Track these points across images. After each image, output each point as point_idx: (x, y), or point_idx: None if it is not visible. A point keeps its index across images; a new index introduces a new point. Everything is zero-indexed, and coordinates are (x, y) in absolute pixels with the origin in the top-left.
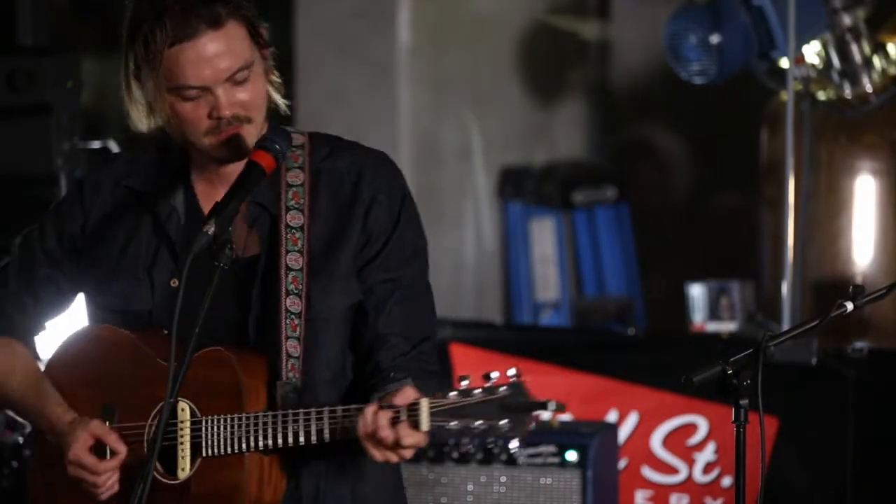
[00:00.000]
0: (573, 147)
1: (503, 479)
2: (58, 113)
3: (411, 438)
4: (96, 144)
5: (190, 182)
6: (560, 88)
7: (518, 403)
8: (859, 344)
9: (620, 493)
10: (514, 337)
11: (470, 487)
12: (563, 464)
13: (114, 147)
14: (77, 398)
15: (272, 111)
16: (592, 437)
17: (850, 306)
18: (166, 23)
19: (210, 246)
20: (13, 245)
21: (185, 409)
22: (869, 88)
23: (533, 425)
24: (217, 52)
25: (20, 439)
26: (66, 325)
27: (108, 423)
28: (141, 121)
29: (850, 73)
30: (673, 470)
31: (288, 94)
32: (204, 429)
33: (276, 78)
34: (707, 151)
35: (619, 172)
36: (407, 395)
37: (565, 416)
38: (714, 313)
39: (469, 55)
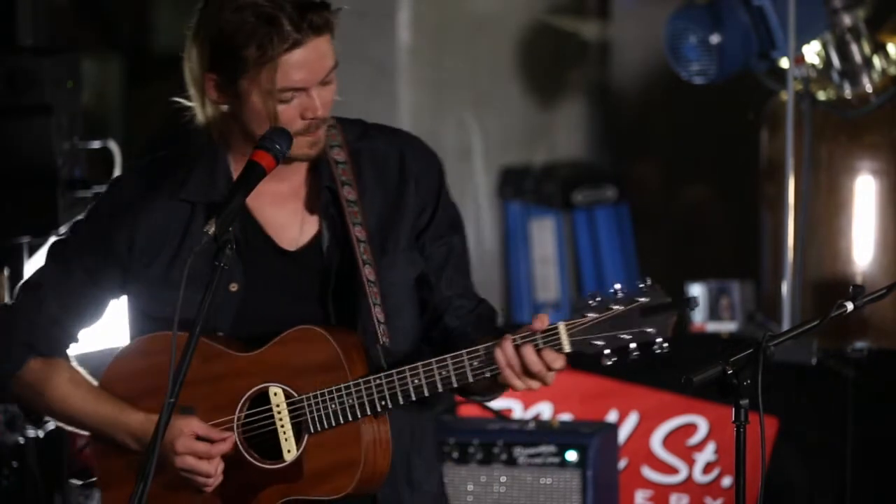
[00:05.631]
0: (573, 147)
1: (503, 479)
2: (58, 113)
3: (559, 362)
4: (96, 144)
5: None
6: (560, 88)
7: (657, 306)
8: (859, 344)
9: (620, 493)
10: None
11: (470, 487)
12: (563, 464)
13: (114, 147)
14: (144, 409)
15: None
16: (592, 437)
17: (850, 306)
18: (283, 28)
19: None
20: (48, 253)
21: (277, 392)
22: (869, 88)
23: (675, 322)
24: (320, 55)
25: (20, 439)
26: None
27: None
28: (202, 121)
29: (850, 73)
30: (673, 470)
31: None
32: (308, 406)
33: None
34: (707, 151)
35: (619, 172)
36: (542, 320)
37: (565, 416)
38: (714, 313)
39: (469, 55)
